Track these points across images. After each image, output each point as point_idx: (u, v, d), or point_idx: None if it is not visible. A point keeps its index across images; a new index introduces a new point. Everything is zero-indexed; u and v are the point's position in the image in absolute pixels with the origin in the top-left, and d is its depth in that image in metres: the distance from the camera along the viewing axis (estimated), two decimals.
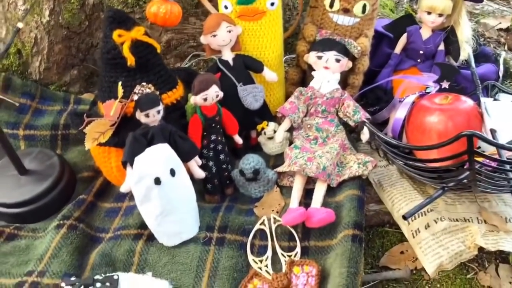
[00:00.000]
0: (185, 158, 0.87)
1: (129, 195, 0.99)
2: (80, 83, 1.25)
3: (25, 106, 1.13)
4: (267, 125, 1.03)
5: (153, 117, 0.84)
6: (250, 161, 0.94)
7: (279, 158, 1.04)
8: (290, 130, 1.04)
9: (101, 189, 1.01)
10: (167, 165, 0.82)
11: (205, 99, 0.89)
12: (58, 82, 1.22)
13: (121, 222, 0.93)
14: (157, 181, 0.80)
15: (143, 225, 0.89)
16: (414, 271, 0.88)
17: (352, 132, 1.09)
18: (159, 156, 0.81)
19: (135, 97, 0.86)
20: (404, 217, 0.83)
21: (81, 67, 1.24)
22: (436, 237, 0.84)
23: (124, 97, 0.88)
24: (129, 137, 0.84)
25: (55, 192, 0.97)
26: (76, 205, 0.95)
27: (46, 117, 1.12)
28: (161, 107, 0.85)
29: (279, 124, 1.03)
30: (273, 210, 0.92)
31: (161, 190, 0.81)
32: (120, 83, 0.86)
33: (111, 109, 0.85)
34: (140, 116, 0.84)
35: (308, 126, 1.02)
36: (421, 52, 1.13)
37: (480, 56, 1.22)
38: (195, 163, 0.89)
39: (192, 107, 0.92)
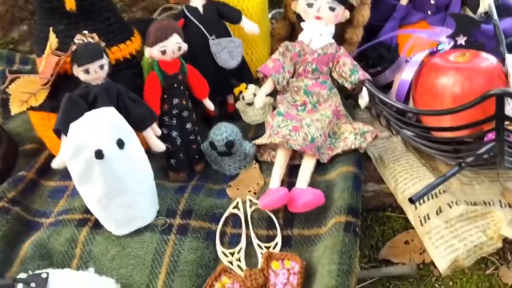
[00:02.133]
0: (138, 126, 0.70)
1: None
2: (32, 41, 1.07)
3: None
4: (246, 88, 0.85)
5: (94, 73, 0.67)
6: (222, 131, 0.77)
7: (260, 129, 0.87)
8: (274, 94, 0.86)
9: (46, 164, 0.84)
10: (112, 134, 0.64)
11: (164, 52, 0.71)
12: (4, 39, 1.04)
13: (66, 205, 0.77)
14: (99, 154, 0.63)
15: None
16: (422, 266, 0.73)
17: (349, 98, 0.92)
18: (102, 122, 0.64)
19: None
20: (411, 201, 0.66)
21: (32, 21, 1.05)
22: (450, 225, 0.67)
23: (64, 50, 0.71)
24: (64, 99, 0.66)
25: None
26: (12, 183, 0.78)
27: None
28: (105, 61, 0.67)
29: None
30: (249, 191, 0.76)
31: (105, 165, 0.64)
32: (51, 29, 0.68)
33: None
34: (78, 72, 0.67)
35: (295, 89, 0.84)
36: (432, 2, 0.94)
37: (501, 9, 1.03)
38: (152, 132, 0.72)
39: (148, 63, 0.75)
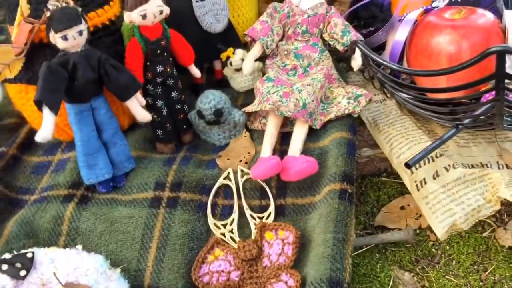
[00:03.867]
0: (122, 95, 0.67)
1: (63, 146, 0.80)
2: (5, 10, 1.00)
3: None
4: (233, 53, 0.81)
5: (73, 40, 0.62)
6: (210, 99, 0.73)
7: (250, 96, 0.84)
8: (263, 58, 0.83)
9: (27, 139, 0.81)
10: None
11: (144, 16, 0.66)
12: None
13: (50, 180, 0.74)
14: None
15: (75, 184, 0.70)
16: (418, 231, 0.71)
17: (341, 61, 0.89)
18: None
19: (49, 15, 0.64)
20: (408, 165, 0.64)
21: None
22: (447, 189, 0.66)
23: (37, 16, 0.66)
24: (42, 69, 0.62)
25: None
26: None
27: None
28: (84, 26, 0.63)
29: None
30: (240, 161, 0.73)
31: None
32: None
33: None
34: (55, 39, 0.62)
35: (285, 52, 0.80)
36: None
37: None
38: (137, 102, 0.69)
39: (128, 29, 0.71)
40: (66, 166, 0.74)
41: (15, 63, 0.65)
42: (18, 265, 0.57)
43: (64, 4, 0.64)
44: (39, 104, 0.62)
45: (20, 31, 0.63)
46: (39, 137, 0.63)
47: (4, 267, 0.57)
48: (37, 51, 0.68)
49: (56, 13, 0.62)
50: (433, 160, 0.68)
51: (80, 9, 0.65)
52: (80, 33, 0.63)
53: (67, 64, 0.63)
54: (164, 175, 0.71)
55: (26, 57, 0.66)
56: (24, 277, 0.56)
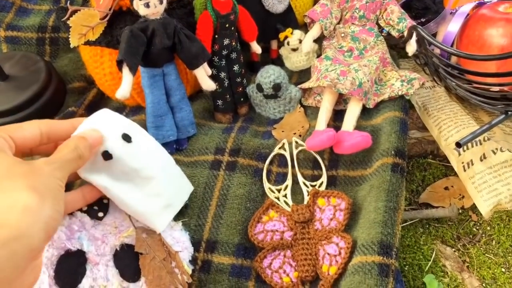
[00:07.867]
0: (192, 63, 0.71)
1: (128, 110, 0.85)
2: None
3: (6, 3, 0.96)
4: (291, 34, 0.86)
5: (154, 7, 0.67)
6: (270, 74, 0.78)
7: (303, 75, 0.88)
8: (318, 41, 0.87)
9: (94, 101, 0.86)
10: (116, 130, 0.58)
11: None
12: None
13: None
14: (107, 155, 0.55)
15: None
16: (460, 211, 0.75)
17: (393, 48, 0.92)
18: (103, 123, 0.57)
19: None
20: (459, 144, 0.67)
21: None
22: (494, 171, 0.69)
23: None
24: (125, 32, 0.67)
25: (40, 102, 0.82)
26: (64, 118, 0.81)
27: (32, 17, 0.96)
28: None
29: (306, 34, 0.86)
30: (294, 133, 0.77)
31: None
32: None
33: None
34: (138, 5, 0.68)
35: (342, 35, 0.84)
36: None
37: None
38: (204, 71, 0.74)
39: (201, 2, 0.75)
40: None
41: (98, 26, 0.70)
42: (96, 207, 0.63)
43: None
44: (119, 64, 0.68)
45: None
46: (118, 94, 0.68)
47: (85, 208, 0.62)
48: (117, 18, 0.73)
49: None
50: (480, 144, 0.72)
51: None
52: (161, 1, 0.68)
53: (147, 30, 0.68)
54: (224, 141, 0.76)
55: (107, 22, 0.72)
56: (101, 218, 0.62)
